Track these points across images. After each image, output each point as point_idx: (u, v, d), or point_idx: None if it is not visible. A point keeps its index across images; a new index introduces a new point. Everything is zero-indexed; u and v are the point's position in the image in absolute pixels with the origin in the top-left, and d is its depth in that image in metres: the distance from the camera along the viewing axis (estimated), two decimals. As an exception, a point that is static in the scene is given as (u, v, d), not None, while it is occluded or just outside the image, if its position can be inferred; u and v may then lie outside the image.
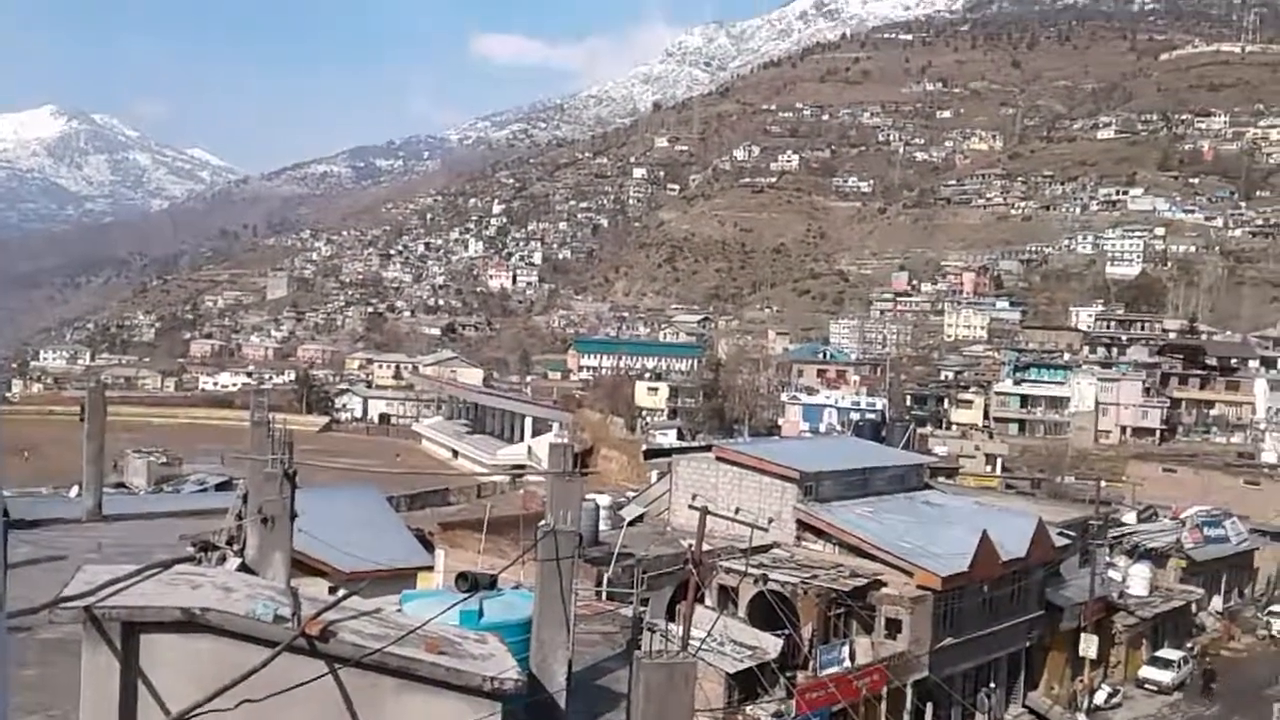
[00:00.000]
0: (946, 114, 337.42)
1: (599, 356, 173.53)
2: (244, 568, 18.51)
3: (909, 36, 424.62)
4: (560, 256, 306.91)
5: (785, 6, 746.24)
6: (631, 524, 40.32)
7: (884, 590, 34.24)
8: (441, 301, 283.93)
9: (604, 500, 41.66)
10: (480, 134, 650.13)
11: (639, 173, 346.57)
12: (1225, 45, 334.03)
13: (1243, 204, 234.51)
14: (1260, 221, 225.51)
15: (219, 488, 53.14)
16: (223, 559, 21.19)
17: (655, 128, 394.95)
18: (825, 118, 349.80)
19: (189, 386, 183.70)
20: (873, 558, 35.69)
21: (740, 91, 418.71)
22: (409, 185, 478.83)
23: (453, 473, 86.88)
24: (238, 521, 22.37)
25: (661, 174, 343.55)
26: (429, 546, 34.60)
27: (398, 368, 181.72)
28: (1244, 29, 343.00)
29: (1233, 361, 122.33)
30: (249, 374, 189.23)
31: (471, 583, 17.86)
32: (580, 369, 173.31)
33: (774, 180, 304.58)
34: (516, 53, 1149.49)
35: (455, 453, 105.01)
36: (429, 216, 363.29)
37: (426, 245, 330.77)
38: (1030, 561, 38.70)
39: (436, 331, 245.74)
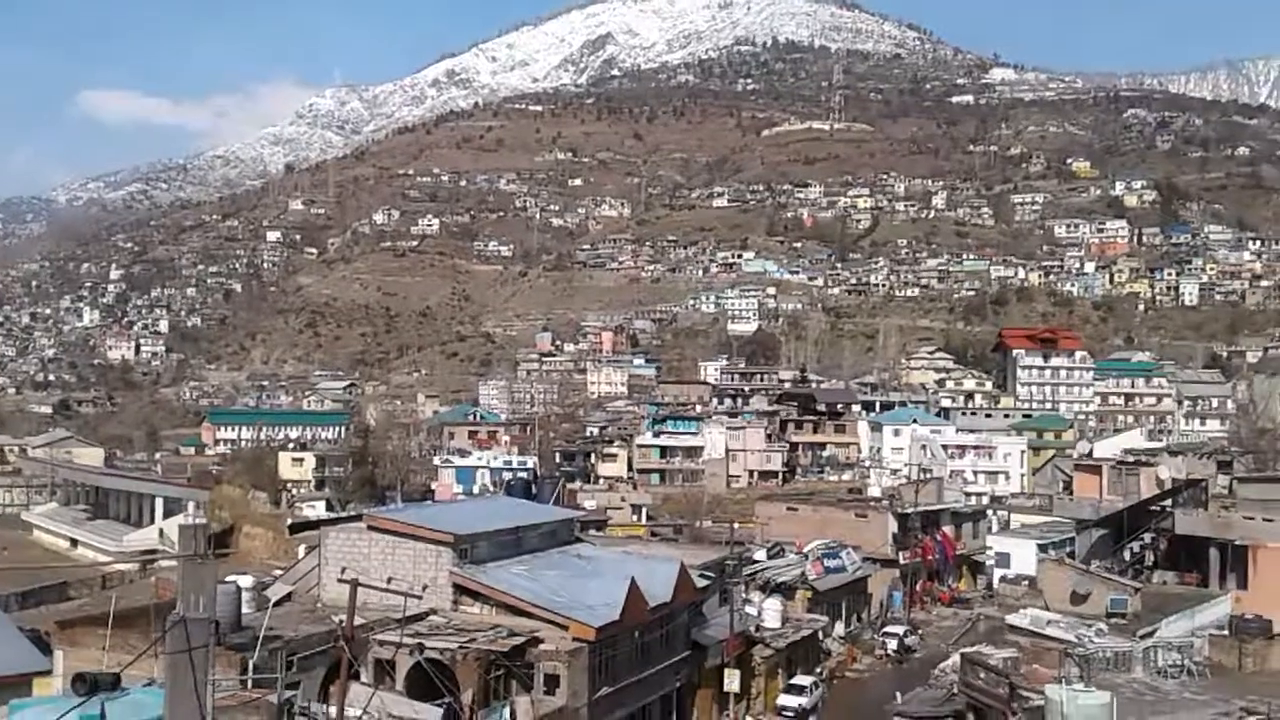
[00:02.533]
0: (578, 182, 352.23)
1: (237, 429, 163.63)
2: None
3: (539, 108, 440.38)
4: (190, 324, 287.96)
5: (418, 73, 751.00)
6: (278, 604, 38.36)
7: (541, 647, 34.70)
8: (53, 376, 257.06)
9: (246, 581, 39.28)
10: (93, 195, 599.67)
11: (273, 236, 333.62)
12: (816, 124, 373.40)
13: (839, 265, 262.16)
14: (853, 281, 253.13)
15: None
16: None
17: (289, 190, 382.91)
18: (463, 183, 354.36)
19: None
20: (530, 615, 36.10)
21: (376, 155, 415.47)
22: (10, 250, 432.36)
23: (71, 564, 78.59)
24: None
25: (298, 237, 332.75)
26: (46, 648, 31.18)
27: (1, 451, 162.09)
28: (831, 109, 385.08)
29: (839, 406, 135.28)
30: None
31: (91, 684, 16.40)
32: (217, 443, 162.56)
33: (416, 244, 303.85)
34: (132, 110, 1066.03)
35: (74, 542, 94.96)
36: (35, 284, 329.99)
37: (33, 315, 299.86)
38: (675, 604, 40.61)
39: (48, 409, 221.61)
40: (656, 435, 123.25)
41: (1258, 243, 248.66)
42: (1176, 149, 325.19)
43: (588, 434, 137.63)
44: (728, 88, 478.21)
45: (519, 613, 36.45)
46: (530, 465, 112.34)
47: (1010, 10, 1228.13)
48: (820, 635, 54.00)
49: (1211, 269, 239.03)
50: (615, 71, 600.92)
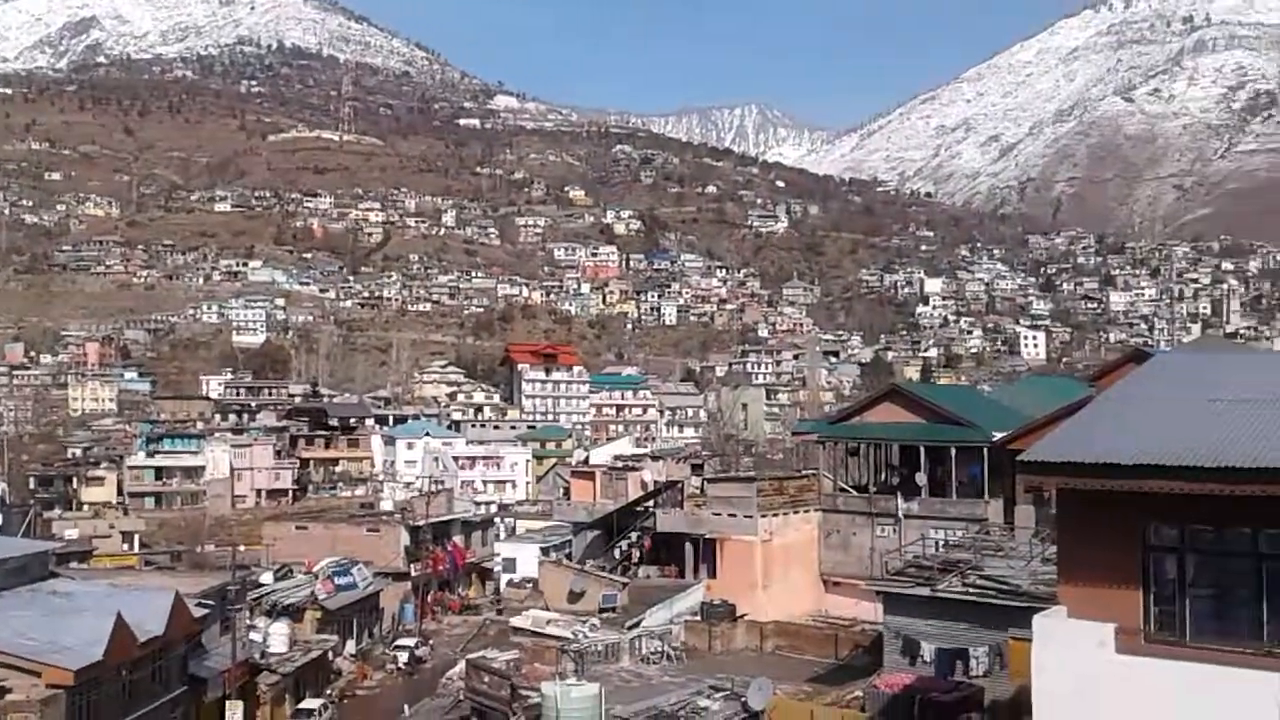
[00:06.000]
0: (57, 176, 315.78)
1: None
2: None
3: (8, 90, 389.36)
4: None
5: None
6: None
7: (9, 698, 31.05)
8: None
9: None
10: None
11: None
12: (326, 133, 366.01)
13: (350, 278, 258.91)
14: (366, 294, 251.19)
15: None
16: None
17: None
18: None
19: None
20: (-6, 664, 32.13)
21: None
22: None
23: None
24: None
25: None
26: None
27: None
28: (341, 120, 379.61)
29: (352, 421, 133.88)
30: None
31: None
32: None
33: None
34: None
35: None
36: None
37: None
38: (170, 637, 38.14)
39: None
40: (151, 455, 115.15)
41: (723, 271, 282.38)
42: (657, 184, 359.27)
43: (69, 456, 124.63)
44: (230, 87, 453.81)
45: (-19, 662, 32.29)
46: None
47: (513, 42, 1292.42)
48: (331, 655, 53.20)
49: (687, 293, 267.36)
50: (101, 59, 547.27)
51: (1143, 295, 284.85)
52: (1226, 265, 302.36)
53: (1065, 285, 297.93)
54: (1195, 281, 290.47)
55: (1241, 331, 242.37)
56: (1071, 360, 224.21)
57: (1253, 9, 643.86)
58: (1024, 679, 18.16)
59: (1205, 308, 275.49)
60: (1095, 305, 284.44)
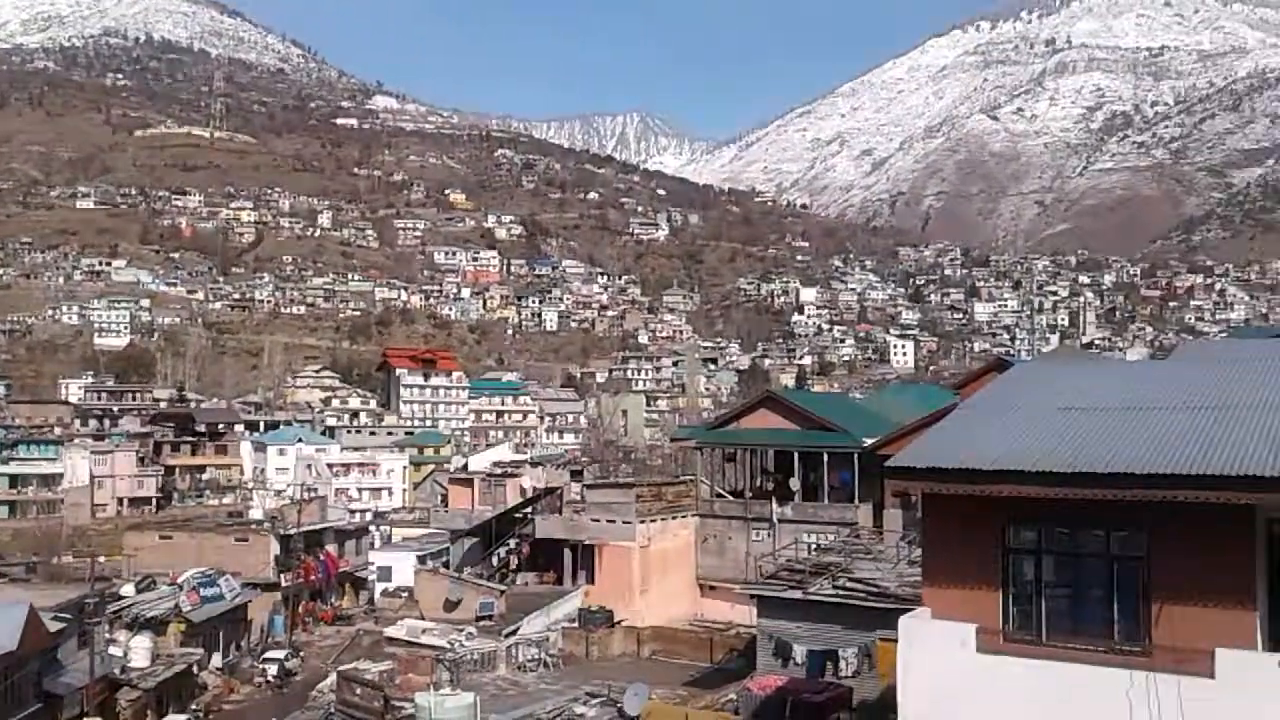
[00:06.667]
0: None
1: None
2: None
3: None
4: None
5: None
6: None
7: None
8: None
9: None
10: None
11: None
12: (196, 129, 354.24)
13: (221, 279, 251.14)
14: (237, 296, 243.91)
15: None
16: None
17: None
18: None
19: None
20: None
21: None
22: None
23: None
24: None
25: None
26: None
27: None
28: (212, 116, 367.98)
29: (220, 427, 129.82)
30: None
31: None
32: None
33: None
34: None
35: None
36: None
37: None
38: (23, 653, 36.49)
39: None
40: (5, 462, 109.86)
41: (604, 277, 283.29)
42: (539, 189, 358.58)
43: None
44: (95, 80, 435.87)
45: None
46: None
47: (393, 42, 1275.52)
48: (195, 669, 51.43)
49: (568, 299, 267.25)
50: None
51: (1005, 306, 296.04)
52: (1083, 279, 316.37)
53: (933, 296, 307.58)
54: (1054, 294, 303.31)
55: (1097, 342, 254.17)
56: (938, 368, 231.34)
57: (1111, 33, 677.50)
58: (891, 678, 18.76)
59: (1063, 319, 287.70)
60: (961, 316, 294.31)
